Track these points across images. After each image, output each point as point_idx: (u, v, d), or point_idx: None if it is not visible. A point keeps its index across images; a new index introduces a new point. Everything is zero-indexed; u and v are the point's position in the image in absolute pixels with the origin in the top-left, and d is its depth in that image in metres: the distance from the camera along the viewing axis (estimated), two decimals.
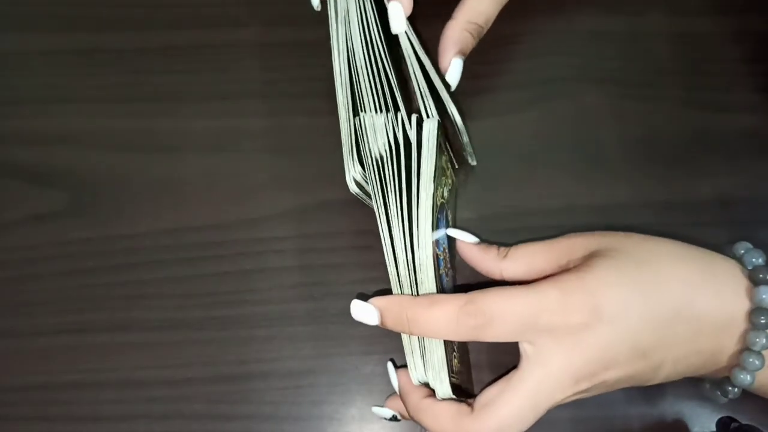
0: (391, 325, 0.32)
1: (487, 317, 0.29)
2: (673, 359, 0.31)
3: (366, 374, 0.38)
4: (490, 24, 0.38)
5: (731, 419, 0.34)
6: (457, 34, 0.37)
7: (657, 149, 0.42)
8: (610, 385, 0.31)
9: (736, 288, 0.31)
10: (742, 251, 0.32)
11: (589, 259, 0.30)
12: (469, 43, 0.37)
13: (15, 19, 0.47)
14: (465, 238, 0.36)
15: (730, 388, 0.32)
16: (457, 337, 0.30)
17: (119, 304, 0.39)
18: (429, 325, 0.30)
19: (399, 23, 0.32)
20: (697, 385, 0.38)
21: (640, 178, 0.41)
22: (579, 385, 0.30)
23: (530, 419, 0.30)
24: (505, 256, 0.34)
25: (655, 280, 0.30)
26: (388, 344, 0.39)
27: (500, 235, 0.40)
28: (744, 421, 0.33)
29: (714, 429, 0.35)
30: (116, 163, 0.43)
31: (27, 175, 0.43)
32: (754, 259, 0.31)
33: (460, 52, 0.37)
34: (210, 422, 0.37)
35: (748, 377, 0.30)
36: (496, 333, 0.30)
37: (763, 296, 0.30)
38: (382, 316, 0.32)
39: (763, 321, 0.29)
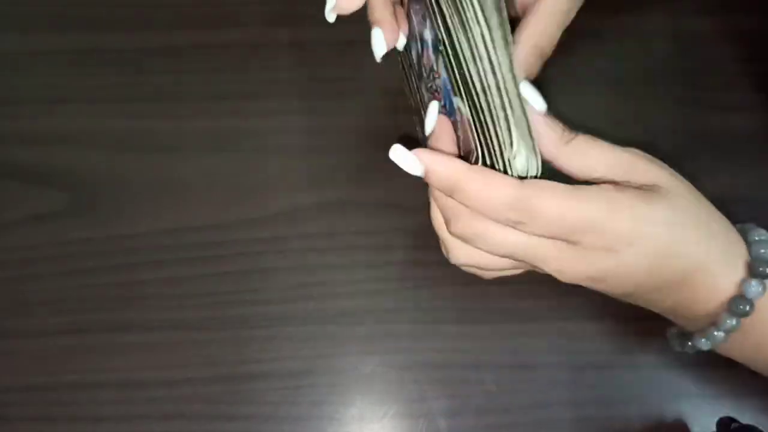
0: (435, 183, 0.31)
1: (531, 219, 0.29)
2: (650, 302, 0.32)
3: (366, 374, 0.38)
4: (554, 44, 0.35)
5: (731, 419, 0.34)
6: (522, 60, 0.34)
7: (656, 149, 0.42)
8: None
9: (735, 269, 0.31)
10: (756, 238, 0.32)
11: (647, 191, 0.30)
12: (534, 68, 0.35)
13: (15, 19, 0.47)
14: (535, 104, 0.31)
15: (696, 342, 0.32)
16: (497, 219, 0.30)
17: (119, 304, 0.39)
18: (473, 201, 0.30)
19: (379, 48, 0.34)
20: (697, 385, 0.38)
21: None
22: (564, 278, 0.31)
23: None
24: (567, 142, 0.31)
25: (684, 241, 0.30)
26: (388, 344, 0.39)
27: None
28: (744, 421, 0.33)
29: (714, 429, 0.35)
30: (116, 163, 0.43)
31: (27, 175, 0.43)
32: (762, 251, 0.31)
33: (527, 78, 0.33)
34: (210, 422, 0.37)
35: (721, 334, 0.31)
36: (533, 231, 0.30)
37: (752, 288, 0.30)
38: (427, 172, 0.31)
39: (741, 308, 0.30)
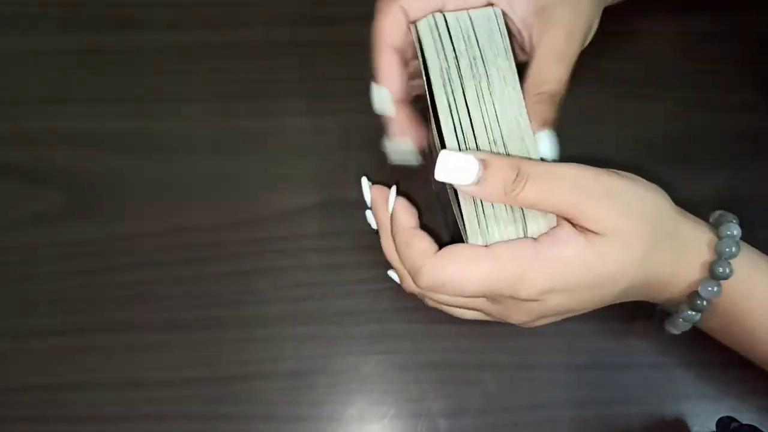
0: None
1: (444, 289, 0.30)
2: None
3: (366, 374, 0.38)
4: (563, 85, 0.34)
5: (731, 419, 0.34)
6: (530, 110, 0.33)
7: (657, 149, 0.43)
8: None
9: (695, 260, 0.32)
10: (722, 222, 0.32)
11: (580, 234, 0.30)
12: (546, 112, 0.34)
13: (15, 19, 0.47)
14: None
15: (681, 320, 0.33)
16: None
17: (119, 305, 0.39)
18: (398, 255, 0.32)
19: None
20: (697, 385, 0.38)
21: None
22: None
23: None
24: (515, 198, 0.30)
25: (610, 271, 0.30)
26: (388, 344, 0.39)
27: None
28: (744, 421, 0.34)
29: (714, 429, 0.35)
30: (116, 163, 0.43)
31: (27, 175, 0.43)
32: (728, 232, 0.32)
33: (543, 125, 0.34)
34: (210, 422, 0.37)
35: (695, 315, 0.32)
36: (453, 298, 0.33)
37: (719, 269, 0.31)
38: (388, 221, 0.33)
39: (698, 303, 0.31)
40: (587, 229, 0.30)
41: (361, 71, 0.45)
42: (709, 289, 0.31)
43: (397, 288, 0.40)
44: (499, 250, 0.30)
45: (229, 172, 0.43)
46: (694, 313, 0.32)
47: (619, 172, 0.31)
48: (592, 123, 0.43)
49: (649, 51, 0.45)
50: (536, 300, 0.30)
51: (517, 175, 0.30)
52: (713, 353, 0.38)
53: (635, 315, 0.39)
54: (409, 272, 0.32)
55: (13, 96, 0.45)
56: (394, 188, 0.34)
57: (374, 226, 0.36)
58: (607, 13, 0.46)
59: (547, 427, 0.37)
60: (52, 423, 0.37)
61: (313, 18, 0.47)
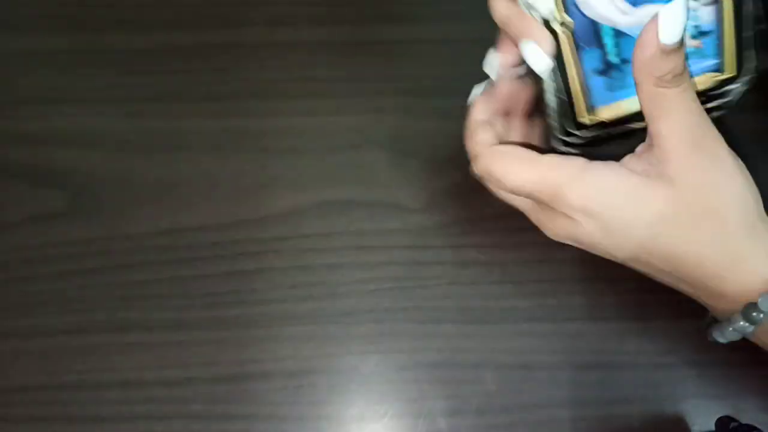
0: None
1: (489, 178, 0.33)
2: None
3: (366, 374, 0.38)
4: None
5: (731, 419, 0.34)
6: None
7: None
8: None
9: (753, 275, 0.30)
10: None
11: (648, 177, 0.29)
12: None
13: (15, 19, 0.47)
14: (662, 33, 0.27)
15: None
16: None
17: (119, 304, 0.40)
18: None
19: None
20: (697, 385, 0.38)
21: None
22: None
23: None
24: (655, 86, 0.28)
25: (668, 235, 0.29)
26: (388, 344, 0.39)
27: (498, 234, 0.40)
28: (744, 421, 0.34)
29: (714, 428, 0.35)
30: (116, 163, 0.43)
31: (27, 175, 0.43)
32: None
33: None
34: (210, 422, 0.37)
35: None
36: (496, 188, 0.35)
37: None
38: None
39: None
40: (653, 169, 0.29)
41: (361, 71, 0.45)
42: None
43: (397, 288, 0.40)
44: (548, 158, 0.31)
45: (229, 172, 0.43)
46: (746, 324, 0.30)
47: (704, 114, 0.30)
48: None
49: None
50: (570, 218, 0.30)
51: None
52: (713, 353, 0.38)
53: (635, 315, 0.39)
54: (470, 158, 0.34)
55: (13, 96, 0.45)
56: (482, 84, 0.36)
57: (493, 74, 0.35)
58: None
59: (547, 427, 0.37)
60: (52, 423, 0.37)
61: (313, 18, 0.47)
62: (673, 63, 0.28)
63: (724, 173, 0.30)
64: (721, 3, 0.30)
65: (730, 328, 0.31)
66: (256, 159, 0.43)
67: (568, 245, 0.36)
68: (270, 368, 0.38)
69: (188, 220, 0.41)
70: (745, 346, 0.32)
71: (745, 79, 0.33)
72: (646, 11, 0.30)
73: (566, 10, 0.30)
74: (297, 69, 0.45)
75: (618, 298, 0.39)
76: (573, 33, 0.31)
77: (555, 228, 0.32)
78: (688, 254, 0.30)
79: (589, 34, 0.31)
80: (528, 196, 0.32)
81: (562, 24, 0.30)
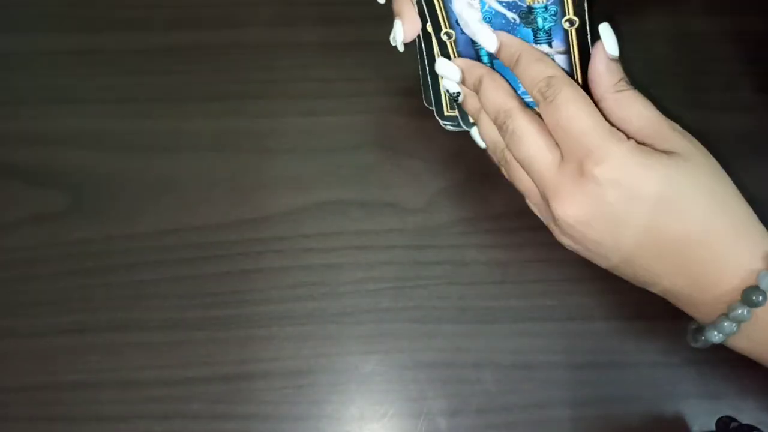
0: (505, 52, 0.34)
1: (554, 99, 0.32)
2: (653, 276, 0.33)
3: (366, 374, 0.38)
4: None
5: (731, 419, 0.34)
6: None
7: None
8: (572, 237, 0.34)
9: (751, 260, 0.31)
10: None
11: (663, 153, 0.31)
12: None
13: (15, 19, 0.47)
14: (608, 46, 0.33)
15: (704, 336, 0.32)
16: (530, 87, 0.34)
17: (119, 304, 0.40)
18: (525, 68, 0.34)
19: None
20: (697, 384, 0.38)
21: None
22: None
23: None
24: (617, 92, 0.33)
25: (684, 204, 0.31)
26: (388, 344, 0.39)
27: (498, 234, 0.40)
28: (744, 421, 0.34)
29: (714, 428, 0.35)
30: (116, 163, 0.43)
31: (27, 175, 0.43)
32: None
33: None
34: (210, 422, 0.37)
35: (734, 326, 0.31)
36: (550, 114, 0.33)
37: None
38: (501, 44, 0.34)
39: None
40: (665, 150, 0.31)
41: (361, 71, 0.45)
42: None
43: (397, 288, 0.40)
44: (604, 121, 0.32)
45: (229, 172, 0.43)
46: (745, 311, 0.30)
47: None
48: None
49: (649, 51, 0.45)
50: (597, 183, 0.31)
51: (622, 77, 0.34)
52: (713, 352, 0.38)
53: (635, 315, 0.39)
54: (535, 86, 0.33)
55: (13, 96, 0.45)
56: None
57: (453, 90, 0.37)
58: (608, 14, 0.46)
59: (547, 427, 0.37)
60: (52, 423, 0.37)
61: (313, 18, 0.47)
62: (621, 71, 0.33)
63: (702, 152, 0.32)
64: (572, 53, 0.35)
65: (725, 323, 0.31)
66: (256, 159, 0.43)
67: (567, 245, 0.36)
68: (270, 368, 0.38)
69: (188, 220, 0.41)
70: None
71: None
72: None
73: (451, 25, 0.34)
74: (297, 69, 0.45)
75: (618, 298, 0.39)
76: (456, 43, 0.35)
77: (574, 193, 0.32)
78: (696, 227, 0.31)
79: (469, 48, 0.36)
80: (572, 137, 0.32)
81: (446, 34, 0.35)
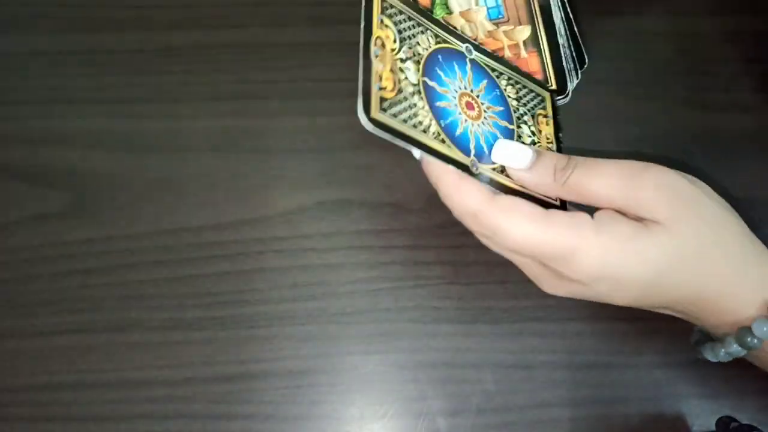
0: (426, 173, 0.32)
1: (494, 235, 0.30)
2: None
3: (366, 374, 0.38)
4: None
5: (731, 419, 0.34)
6: None
7: (657, 149, 0.43)
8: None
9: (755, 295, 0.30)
10: None
11: (638, 225, 0.29)
12: None
13: (15, 19, 0.47)
14: (519, 162, 0.32)
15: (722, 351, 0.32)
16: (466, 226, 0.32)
17: (119, 304, 0.40)
18: (447, 201, 0.31)
19: None
20: (697, 384, 0.38)
21: None
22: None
23: None
24: (562, 184, 0.31)
25: (672, 274, 0.30)
26: (388, 344, 0.39)
27: None
28: (744, 421, 0.34)
29: (714, 428, 0.35)
30: (116, 163, 0.43)
31: (27, 175, 0.43)
32: None
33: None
34: (210, 422, 0.37)
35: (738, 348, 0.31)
36: (499, 247, 0.32)
37: None
38: (423, 161, 0.32)
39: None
40: (641, 218, 0.29)
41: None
42: (765, 329, 0.29)
43: (397, 288, 0.40)
44: (558, 218, 0.29)
45: (229, 172, 0.43)
46: (740, 348, 0.30)
47: (682, 173, 0.31)
48: (592, 123, 0.43)
49: (649, 51, 0.45)
50: (579, 282, 0.30)
51: (566, 163, 0.30)
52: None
53: (635, 315, 0.39)
54: (464, 214, 0.31)
55: (13, 96, 0.45)
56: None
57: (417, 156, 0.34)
58: (607, 13, 0.46)
59: (547, 427, 0.37)
60: (52, 423, 0.37)
61: (313, 18, 0.47)
62: (547, 162, 0.31)
63: (690, 194, 0.30)
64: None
65: (722, 350, 0.31)
66: (256, 159, 0.43)
67: None
68: (270, 368, 0.38)
69: (188, 220, 0.41)
70: None
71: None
72: None
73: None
74: (297, 69, 0.45)
75: None
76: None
77: (558, 287, 0.31)
78: (690, 289, 0.30)
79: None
80: (535, 257, 0.30)
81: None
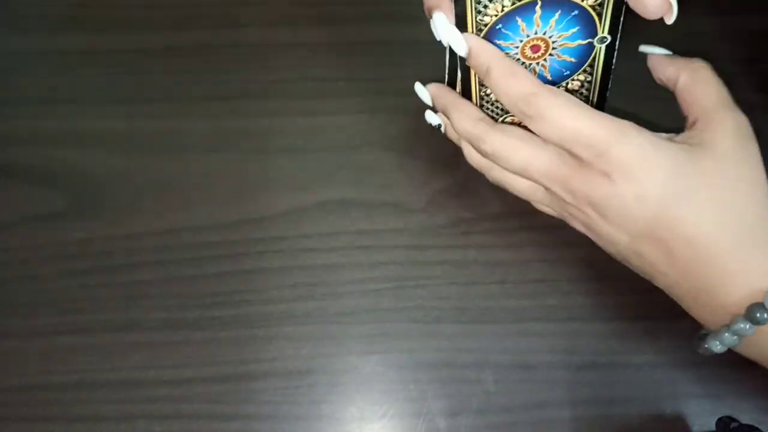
0: (474, 62, 0.33)
1: (539, 117, 0.31)
2: (658, 274, 0.32)
3: (366, 374, 0.38)
4: None
5: (731, 419, 0.34)
6: None
7: None
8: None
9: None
10: None
11: (689, 145, 0.31)
12: None
13: (15, 19, 0.47)
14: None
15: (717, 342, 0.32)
16: (511, 108, 0.32)
17: (119, 304, 0.39)
18: (497, 84, 0.32)
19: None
20: (697, 385, 0.38)
21: None
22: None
23: None
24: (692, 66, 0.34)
25: (697, 209, 0.30)
26: (388, 344, 0.39)
27: (498, 234, 0.40)
28: (744, 421, 0.33)
29: (714, 428, 0.35)
30: (116, 163, 0.43)
31: (27, 175, 0.43)
32: None
33: None
34: (210, 422, 0.37)
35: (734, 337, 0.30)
36: (539, 130, 0.31)
37: None
38: (471, 51, 0.32)
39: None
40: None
41: (361, 71, 0.45)
42: None
43: (397, 288, 0.40)
44: (598, 112, 0.31)
45: (229, 172, 0.43)
46: (747, 326, 0.29)
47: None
48: None
49: None
50: (607, 177, 0.30)
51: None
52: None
53: (635, 315, 0.39)
54: (518, 95, 0.31)
55: (13, 96, 0.45)
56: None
57: (435, 122, 0.38)
58: None
59: (547, 427, 0.37)
60: (52, 423, 0.37)
61: (313, 18, 0.47)
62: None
63: (751, 160, 0.31)
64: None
65: (726, 334, 0.30)
66: (256, 159, 0.43)
67: (566, 247, 0.36)
68: (270, 368, 0.38)
69: (188, 220, 0.41)
70: None
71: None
72: None
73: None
74: (297, 69, 0.45)
75: (618, 298, 0.39)
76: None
77: (583, 185, 0.31)
78: (703, 234, 0.30)
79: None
80: (575, 142, 0.31)
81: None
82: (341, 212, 0.41)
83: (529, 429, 0.37)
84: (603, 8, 0.32)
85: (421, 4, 0.35)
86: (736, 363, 0.35)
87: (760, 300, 0.29)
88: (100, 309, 0.39)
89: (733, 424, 0.33)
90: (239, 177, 0.42)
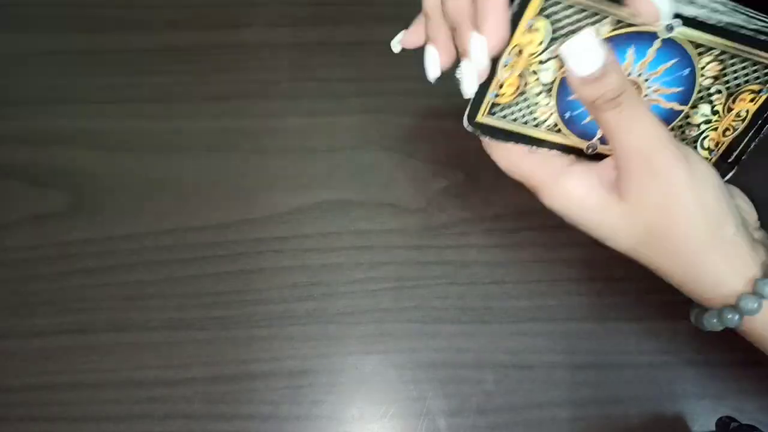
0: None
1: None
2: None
3: (366, 374, 0.38)
4: None
5: (731, 419, 0.34)
6: None
7: None
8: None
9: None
10: None
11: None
12: None
13: (15, 19, 0.47)
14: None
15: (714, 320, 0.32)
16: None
17: (119, 304, 0.39)
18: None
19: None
20: (697, 384, 0.38)
21: None
22: None
23: None
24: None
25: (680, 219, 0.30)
26: (388, 344, 0.39)
27: (498, 234, 0.40)
28: (744, 421, 0.33)
29: (714, 428, 0.35)
30: (116, 163, 0.43)
31: (27, 175, 0.43)
32: None
33: None
34: (210, 422, 0.37)
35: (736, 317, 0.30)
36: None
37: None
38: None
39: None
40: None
41: (361, 71, 0.45)
42: (749, 304, 0.29)
43: (397, 288, 0.40)
44: (538, 155, 0.32)
45: (228, 172, 0.43)
46: (736, 317, 0.30)
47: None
48: None
49: None
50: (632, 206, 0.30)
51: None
52: (713, 352, 0.38)
53: (635, 315, 0.39)
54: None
55: (13, 96, 0.45)
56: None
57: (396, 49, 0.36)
58: None
59: (547, 427, 0.37)
60: (52, 423, 0.37)
61: (313, 18, 0.47)
62: (600, 90, 0.28)
63: (676, 190, 0.30)
64: None
65: (714, 320, 0.32)
66: (256, 159, 0.43)
67: (566, 247, 0.36)
68: (270, 368, 0.38)
69: (188, 220, 0.41)
70: (744, 346, 0.32)
71: None
72: None
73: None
74: (297, 69, 0.45)
75: (618, 298, 0.39)
76: None
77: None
78: (657, 266, 0.31)
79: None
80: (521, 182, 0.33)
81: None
82: (341, 212, 0.41)
83: (529, 429, 0.37)
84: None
85: (420, 4, 0.35)
86: (736, 363, 0.36)
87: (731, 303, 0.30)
88: (100, 309, 0.39)
89: (733, 424, 0.33)
90: (239, 177, 0.42)
